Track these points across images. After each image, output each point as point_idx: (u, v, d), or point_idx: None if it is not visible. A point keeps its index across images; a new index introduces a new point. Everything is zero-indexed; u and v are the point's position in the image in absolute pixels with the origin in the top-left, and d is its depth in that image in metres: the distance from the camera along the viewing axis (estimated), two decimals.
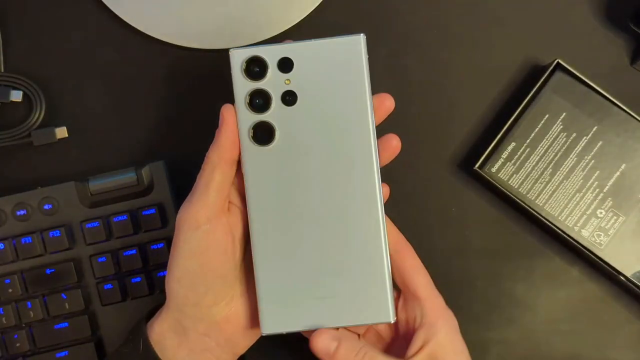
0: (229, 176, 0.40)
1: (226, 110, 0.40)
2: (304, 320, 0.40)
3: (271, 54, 0.39)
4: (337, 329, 0.40)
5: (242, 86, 0.40)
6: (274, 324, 0.40)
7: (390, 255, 0.40)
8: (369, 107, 0.40)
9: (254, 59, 0.40)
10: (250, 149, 0.40)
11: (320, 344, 0.39)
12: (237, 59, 0.40)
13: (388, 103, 0.41)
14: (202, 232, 0.39)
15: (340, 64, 0.39)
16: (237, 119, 0.40)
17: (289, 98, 0.40)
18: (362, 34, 0.40)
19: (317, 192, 0.40)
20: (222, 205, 0.40)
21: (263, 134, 0.40)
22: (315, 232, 0.40)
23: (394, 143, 0.41)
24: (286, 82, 0.40)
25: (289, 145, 0.40)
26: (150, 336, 0.41)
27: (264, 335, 0.40)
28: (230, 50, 0.40)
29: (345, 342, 0.39)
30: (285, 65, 0.39)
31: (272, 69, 0.39)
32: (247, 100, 0.40)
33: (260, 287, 0.40)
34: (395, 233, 0.42)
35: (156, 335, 0.41)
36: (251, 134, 0.40)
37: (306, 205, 0.40)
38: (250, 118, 0.40)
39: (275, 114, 0.40)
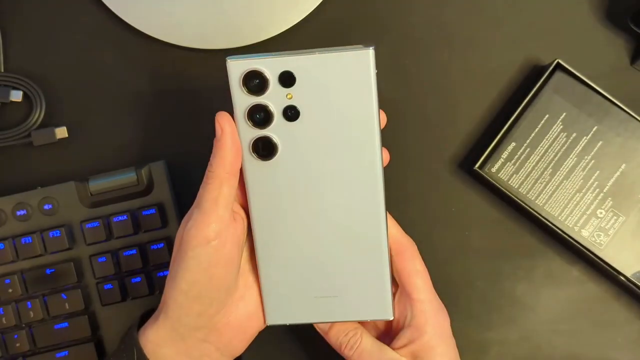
0: (235, 186, 0.39)
1: (223, 120, 0.38)
2: (306, 314, 0.41)
3: (271, 67, 0.37)
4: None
5: (241, 100, 0.38)
6: (277, 315, 0.41)
7: (390, 257, 0.41)
8: (377, 125, 0.38)
9: (253, 73, 0.37)
10: (251, 161, 0.39)
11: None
12: (236, 72, 0.37)
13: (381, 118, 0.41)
14: (211, 248, 0.38)
15: (346, 79, 0.37)
16: (237, 131, 0.38)
17: (291, 113, 0.38)
18: (371, 48, 0.36)
19: (320, 201, 0.39)
20: (230, 217, 0.39)
21: (264, 148, 0.38)
22: (317, 238, 0.40)
23: (383, 156, 0.41)
24: (288, 96, 0.38)
25: (290, 159, 0.39)
26: (145, 345, 0.40)
27: (268, 325, 0.42)
28: (228, 60, 0.38)
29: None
30: (287, 79, 0.37)
31: (273, 83, 0.37)
32: (247, 115, 0.38)
33: (264, 286, 0.41)
34: (399, 234, 0.42)
35: (151, 345, 0.40)
36: (252, 148, 0.38)
37: (309, 214, 0.39)
38: (250, 132, 0.38)
39: (277, 128, 0.38)
